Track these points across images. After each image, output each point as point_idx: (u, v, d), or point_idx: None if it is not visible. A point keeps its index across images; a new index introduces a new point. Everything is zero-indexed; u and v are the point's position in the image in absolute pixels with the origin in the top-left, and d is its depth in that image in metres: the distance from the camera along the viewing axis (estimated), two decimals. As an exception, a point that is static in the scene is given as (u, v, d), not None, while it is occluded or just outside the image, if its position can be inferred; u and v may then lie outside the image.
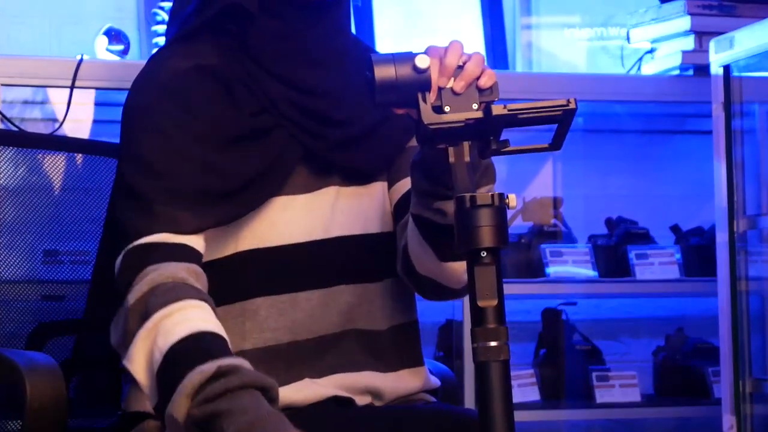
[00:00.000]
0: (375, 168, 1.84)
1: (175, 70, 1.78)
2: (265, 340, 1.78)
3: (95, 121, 3.39)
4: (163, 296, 1.63)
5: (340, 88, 1.80)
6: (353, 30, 1.95)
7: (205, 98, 1.76)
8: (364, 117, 1.79)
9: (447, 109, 1.50)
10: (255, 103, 1.77)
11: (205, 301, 1.65)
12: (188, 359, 1.55)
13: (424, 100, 1.50)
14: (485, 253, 1.41)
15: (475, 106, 1.50)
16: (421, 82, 1.51)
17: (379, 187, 1.86)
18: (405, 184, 1.82)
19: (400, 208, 1.84)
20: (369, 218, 1.83)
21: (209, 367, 1.52)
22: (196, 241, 1.72)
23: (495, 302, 1.40)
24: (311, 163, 1.80)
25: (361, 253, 1.82)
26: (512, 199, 1.43)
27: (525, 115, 1.47)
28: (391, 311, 1.85)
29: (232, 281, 1.78)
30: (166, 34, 1.90)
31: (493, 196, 1.42)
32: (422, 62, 1.51)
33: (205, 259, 1.75)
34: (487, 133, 1.50)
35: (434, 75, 1.51)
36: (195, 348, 1.57)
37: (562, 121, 1.49)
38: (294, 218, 1.79)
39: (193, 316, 1.61)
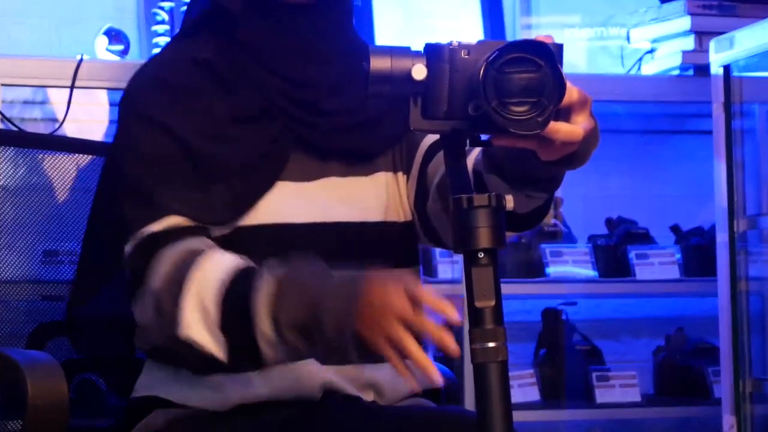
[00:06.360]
0: (373, 151, 1.84)
1: (171, 63, 1.82)
2: None
3: (96, 122, 3.40)
4: (184, 263, 1.68)
5: (336, 81, 1.81)
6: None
7: (201, 89, 1.78)
8: (367, 108, 1.79)
9: (440, 117, 1.47)
10: (249, 95, 1.78)
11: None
12: (240, 297, 1.62)
13: (415, 104, 1.48)
14: (482, 254, 1.40)
15: (466, 116, 1.46)
16: (414, 88, 1.48)
17: (382, 178, 1.86)
18: (428, 140, 1.84)
19: (427, 155, 1.85)
20: (370, 207, 1.83)
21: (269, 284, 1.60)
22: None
23: (492, 303, 1.40)
24: (309, 153, 1.81)
25: (358, 241, 1.82)
26: (509, 201, 1.43)
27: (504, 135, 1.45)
28: None
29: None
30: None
31: (490, 197, 1.41)
32: (419, 74, 1.47)
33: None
34: (469, 136, 1.50)
35: None
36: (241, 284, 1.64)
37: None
38: (293, 201, 1.79)
39: (220, 258, 1.68)
